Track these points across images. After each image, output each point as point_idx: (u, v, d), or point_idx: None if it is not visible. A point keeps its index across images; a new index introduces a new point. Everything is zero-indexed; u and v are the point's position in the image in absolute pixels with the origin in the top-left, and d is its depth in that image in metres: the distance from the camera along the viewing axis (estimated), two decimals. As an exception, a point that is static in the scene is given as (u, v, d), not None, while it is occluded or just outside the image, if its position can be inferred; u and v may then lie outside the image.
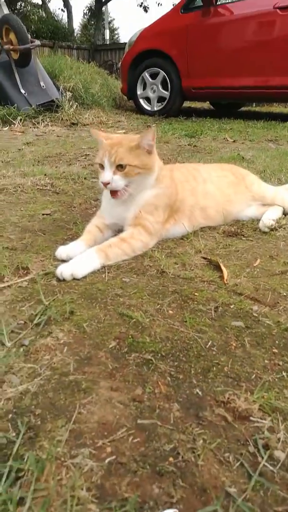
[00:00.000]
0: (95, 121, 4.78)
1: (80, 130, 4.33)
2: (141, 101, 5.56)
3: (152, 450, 0.62)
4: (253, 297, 1.07)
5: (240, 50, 4.61)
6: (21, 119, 4.43)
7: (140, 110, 5.60)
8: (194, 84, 5.03)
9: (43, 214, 1.68)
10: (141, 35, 5.42)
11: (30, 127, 4.37)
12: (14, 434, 0.65)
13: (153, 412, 0.69)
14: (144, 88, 5.48)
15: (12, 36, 4.74)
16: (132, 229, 1.30)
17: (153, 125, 4.35)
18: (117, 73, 8.42)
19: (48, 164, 2.65)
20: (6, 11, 5.25)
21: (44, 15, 15.35)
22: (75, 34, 17.29)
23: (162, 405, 0.71)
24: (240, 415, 0.69)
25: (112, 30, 23.34)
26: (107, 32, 15.62)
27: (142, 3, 16.84)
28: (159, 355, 0.83)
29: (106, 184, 1.23)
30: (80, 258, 1.18)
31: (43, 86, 4.89)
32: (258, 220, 1.58)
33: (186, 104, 6.49)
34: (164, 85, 5.27)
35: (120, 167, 1.23)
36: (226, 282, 1.14)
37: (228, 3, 4.97)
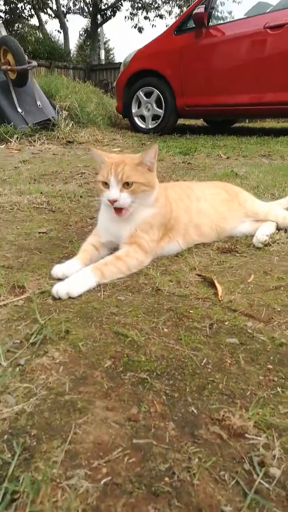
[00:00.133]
0: (91, 139, 4.86)
1: (76, 148, 4.40)
2: (136, 119, 5.67)
3: (148, 470, 0.62)
4: (247, 313, 1.08)
5: (232, 69, 4.75)
6: (17, 137, 4.50)
7: (135, 128, 5.71)
8: (188, 102, 5.15)
9: (39, 233, 1.70)
10: (135, 56, 5.57)
11: (27, 145, 4.43)
12: (9, 455, 0.65)
13: (149, 432, 0.70)
14: (139, 107, 5.60)
15: (9, 57, 4.86)
16: (127, 247, 1.32)
17: (151, 142, 4.43)
18: (112, 92, 8.60)
19: (44, 182, 2.68)
20: (4, 33, 5.40)
21: (41, 36, 15.74)
22: (71, 55, 17.68)
23: (157, 424, 0.71)
24: (235, 432, 0.69)
25: (108, 50, 23.94)
26: (102, 52, 16.03)
27: (136, 24, 17.34)
28: (154, 373, 0.84)
29: (113, 202, 1.25)
30: (75, 277, 1.19)
31: (39, 105, 4.99)
32: (252, 236, 1.60)
33: (180, 121, 6.62)
34: (158, 103, 5.39)
35: (126, 184, 1.26)
36: (220, 298, 1.15)
37: (220, 24, 5.15)
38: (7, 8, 15.28)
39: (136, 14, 16.82)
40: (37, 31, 15.82)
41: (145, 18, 16.73)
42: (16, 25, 15.22)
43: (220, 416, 0.72)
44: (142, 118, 5.64)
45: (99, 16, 16.76)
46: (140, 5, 16.37)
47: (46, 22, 17.33)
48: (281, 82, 4.45)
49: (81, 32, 24.98)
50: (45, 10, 16.38)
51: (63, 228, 1.77)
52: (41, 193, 2.33)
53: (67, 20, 16.93)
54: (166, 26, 5.95)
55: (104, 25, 17.38)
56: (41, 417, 0.73)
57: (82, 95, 5.97)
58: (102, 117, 6.01)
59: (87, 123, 5.52)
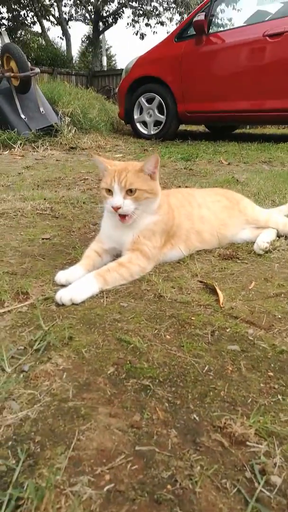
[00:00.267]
0: (93, 145, 4.90)
1: (78, 154, 4.43)
2: (138, 125, 5.72)
3: (150, 478, 0.63)
4: (248, 320, 1.09)
5: (232, 76, 4.79)
6: (21, 143, 4.54)
7: (137, 134, 5.75)
8: (189, 108, 5.19)
9: (42, 239, 1.71)
10: (137, 63, 5.62)
11: (30, 151, 4.47)
12: (14, 461, 0.66)
13: (151, 439, 0.70)
14: (141, 113, 5.64)
15: (12, 64, 4.92)
16: (130, 254, 1.33)
17: (153, 148, 4.45)
18: (114, 98, 8.66)
19: (47, 188, 2.70)
20: (7, 40, 5.46)
21: (43, 43, 15.90)
22: (73, 61, 17.84)
23: (160, 431, 0.72)
24: (236, 440, 0.70)
25: (110, 57, 24.14)
26: (104, 59, 16.15)
27: (138, 31, 17.50)
28: (157, 380, 0.85)
29: (117, 209, 1.27)
30: (79, 283, 1.20)
31: (42, 112, 5.03)
32: (253, 242, 1.62)
33: (182, 127, 6.66)
34: (160, 109, 5.43)
35: (129, 191, 1.27)
36: (222, 305, 1.16)
37: (220, 31, 5.20)
38: (10, 15, 15.46)
39: (137, 21, 16.99)
40: (39, 38, 15.99)
41: (147, 25, 16.89)
42: (19, 32, 15.38)
43: (222, 423, 0.73)
44: (144, 124, 5.68)
45: (100, 23, 16.93)
46: (141, 12, 16.53)
47: (48, 29, 17.55)
48: (280, 89, 4.49)
49: (83, 39, 25.24)
50: (48, 17, 16.56)
51: (66, 234, 1.79)
52: (45, 199, 2.35)
53: (69, 27, 17.13)
54: (167, 32, 6.03)
55: (106, 32, 17.59)
56: (45, 424, 0.73)
57: (84, 101, 6.02)
58: (104, 123, 6.05)
59: (90, 129, 5.57)
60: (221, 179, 2.99)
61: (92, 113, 5.82)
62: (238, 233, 1.66)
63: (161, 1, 16.11)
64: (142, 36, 17.31)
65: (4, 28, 14.59)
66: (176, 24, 15.93)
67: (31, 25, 16.51)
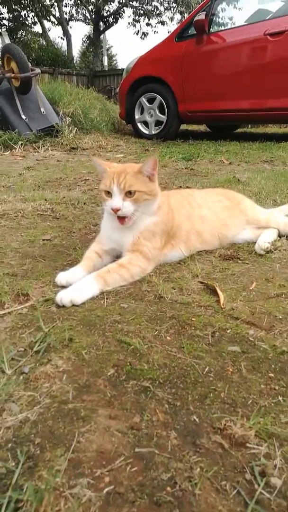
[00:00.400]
0: (95, 146, 4.90)
1: (79, 155, 4.43)
2: (139, 125, 5.71)
3: (150, 480, 0.63)
4: (249, 321, 1.09)
5: (233, 75, 4.78)
6: (22, 144, 4.55)
7: (138, 134, 5.75)
8: (190, 108, 5.18)
9: (43, 240, 1.72)
10: (137, 63, 5.62)
11: (31, 152, 4.48)
12: (13, 463, 0.66)
13: (151, 440, 0.70)
14: (142, 113, 5.64)
15: (13, 64, 4.93)
16: (130, 255, 1.33)
17: (153, 153, 4.45)
18: (115, 98, 8.67)
19: (48, 189, 2.71)
20: (7, 40, 5.47)
21: (44, 43, 15.90)
22: (74, 61, 17.84)
23: (159, 433, 0.72)
24: (236, 441, 0.70)
25: (110, 57, 24.15)
26: (105, 59, 16.15)
27: (138, 31, 17.50)
28: (157, 382, 0.85)
29: (116, 210, 1.27)
30: (79, 285, 1.20)
31: (43, 112, 5.04)
32: (254, 243, 1.61)
33: (183, 127, 6.65)
34: (161, 109, 5.43)
35: (129, 193, 1.27)
36: (222, 306, 1.16)
37: (220, 31, 5.19)
38: (11, 15, 15.47)
39: (138, 21, 16.98)
40: (40, 38, 15.99)
41: (147, 24, 16.89)
42: (20, 32, 15.38)
43: (222, 425, 0.73)
44: (145, 124, 5.68)
45: (101, 23, 16.93)
46: (142, 12, 16.52)
47: (49, 29, 17.53)
48: (282, 88, 4.48)
49: (84, 39, 25.26)
50: (48, 18, 16.57)
51: (67, 235, 1.79)
52: (45, 200, 2.35)
53: (70, 27, 17.15)
54: (168, 32, 6.02)
55: (107, 32, 17.56)
56: (44, 426, 0.73)
57: (85, 101, 6.03)
58: (105, 123, 6.05)
59: (91, 129, 5.57)
60: (222, 178, 2.99)
61: (93, 113, 5.82)
62: (239, 233, 1.66)
63: (161, 0, 16.10)
64: (145, 35, 17.32)
65: (5, 29, 14.62)
66: (177, 23, 15.92)
67: (32, 25, 16.52)
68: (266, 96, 4.60)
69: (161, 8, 16.54)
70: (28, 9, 15.72)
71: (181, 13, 16.20)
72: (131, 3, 15.84)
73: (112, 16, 16.57)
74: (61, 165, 3.74)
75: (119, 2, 15.85)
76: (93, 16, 16.87)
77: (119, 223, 1.31)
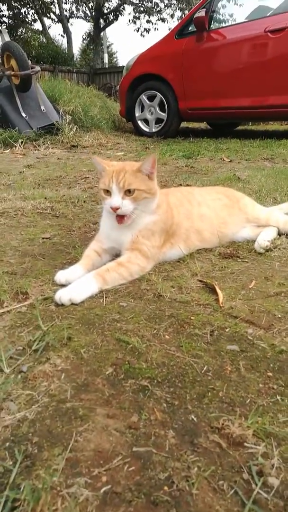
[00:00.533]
0: (95, 144, 4.89)
1: (80, 153, 4.42)
2: (140, 123, 5.70)
3: (147, 479, 0.63)
4: (248, 319, 1.09)
5: (234, 72, 4.76)
6: (22, 142, 4.54)
7: (138, 132, 5.73)
8: (190, 105, 5.17)
9: (43, 238, 1.71)
10: (138, 60, 5.60)
11: (31, 150, 4.47)
12: (11, 462, 0.66)
13: (149, 440, 0.70)
14: (142, 110, 5.63)
15: (13, 62, 4.91)
16: (129, 253, 1.33)
17: (154, 151, 4.44)
18: (116, 96, 8.65)
19: (48, 187, 2.70)
20: (7, 38, 5.46)
21: (44, 40, 15.86)
22: (74, 59, 17.81)
23: (157, 432, 0.72)
24: (234, 441, 0.70)
25: (111, 54, 24.07)
26: (105, 56, 16.11)
27: (139, 28, 17.45)
28: (155, 381, 0.85)
29: (115, 209, 1.26)
30: (78, 283, 1.20)
31: (43, 110, 5.03)
32: (253, 241, 1.61)
33: (184, 124, 6.63)
34: (161, 107, 5.41)
35: (128, 192, 1.27)
36: (221, 305, 1.16)
37: (221, 28, 5.16)
38: (11, 13, 15.42)
39: (138, 18, 16.92)
40: (40, 36, 15.94)
41: (148, 21, 16.83)
42: (20, 30, 15.33)
43: (220, 424, 0.73)
44: (146, 121, 5.66)
45: (101, 20, 16.88)
46: (142, 9, 16.45)
47: (49, 27, 17.55)
48: (283, 85, 4.46)
49: (84, 36, 25.19)
50: (48, 15, 16.52)
51: (67, 234, 1.78)
52: (45, 198, 2.35)
53: (71, 24, 17.12)
54: (169, 29, 5.99)
55: (107, 29, 17.52)
56: (42, 425, 0.73)
57: (85, 99, 6.01)
58: (106, 121, 6.04)
59: (91, 127, 5.56)
60: (223, 176, 2.98)
61: (93, 111, 5.81)
62: (239, 231, 1.65)
63: (162, -3, 16.06)
64: (147, 31, 17.27)
65: (5, 26, 14.58)
66: (178, 20, 15.85)
67: (32, 23, 16.49)
68: (267, 93, 4.58)
69: (161, 5, 16.49)
70: (28, 6, 15.68)
71: (182, 10, 16.14)
72: (131, 0, 15.77)
73: (112, 13, 16.52)
74: (61, 163, 3.73)
75: (119, -1, 15.82)
76: (93, 13, 16.83)
77: (118, 222, 1.31)
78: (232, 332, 1.03)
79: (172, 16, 16.88)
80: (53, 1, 16.11)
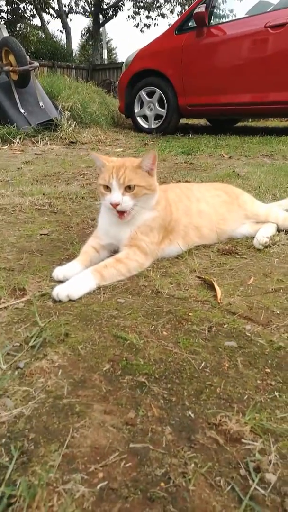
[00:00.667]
0: (94, 140, 4.87)
1: (78, 149, 4.40)
2: (139, 119, 5.67)
3: (144, 475, 0.63)
4: (246, 316, 1.08)
5: (234, 68, 4.73)
6: (20, 138, 4.52)
7: (138, 128, 5.71)
8: (190, 101, 5.14)
9: (40, 234, 1.71)
10: (137, 56, 5.57)
11: (30, 146, 4.45)
12: (7, 459, 0.65)
13: (146, 436, 0.70)
14: (141, 107, 5.60)
15: (11, 58, 4.88)
16: (127, 249, 1.32)
17: (153, 147, 4.42)
18: (115, 92, 8.60)
19: (46, 184, 2.69)
20: (5, 33, 5.41)
21: (43, 36, 15.77)
22: (73, 54, 17.71)
23: (154, 429, 0.72)
24: (231, 437, 0.70)
25: (110, 50, 23.95)
26: (105, 52, 16.01)
27: (138, 24, 17.36)
28: (153, 377, 0.84)
29: (116, 205, 1.26)
30: (76, 279, 1.20)
31: (42, 106, 5.00)
32: (252, 237, 1.60)
33: (183, 121, 6.61)
34: (161, 103, 5.39)
35: (128, 188, 1.26)
36: (220, 301, 1.15)
37: (221, 23, 5.13)
38: (9, 8, 15.31)
39: (138, 13, 16.82)
40: (39, 31, 15.84)
41: (147, 17, 16.74)
42: (18, 25, 15.23)
43: (217, 420, 0.72)
44: (145, 118, 5.64)
45: (101, 16, 16.78)
46: (141, 4, 16.36)
47: (48, 22, 17.43)
48: (283, 81, 4.43)
49: (83, 32, 25.03)
50: (47, 10, 16.41)
51: (65, 230, 1.78)
52: (43, 194, 2.34)
53: (70, 20, 17.01)
54: (168, 25, 5.94)
55: (106, 25, 17.43)
56: (39, 421, 0.73)
57: (84, 95, 5.97)
58: (104, 117, 6.01)
59: (90, 123, 5.53)
60: (222, 173, 2.97)
61: (92, 107, 5.78)
62: (238, 228, 1.65)
63: (161, -8, 15.96)
64: (147, 26, 17.18)
65: (3, 22, 14.48)
66: (177, 16, 15.77)
67: (31, 18, 16.37)
68: (267, 90, 4.56)
69: (161, 1, 16.38)
70: (26, 1, 15.56)
71: (181, 5, 16.05)
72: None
73: (111, 9, 16.41)
74: (59, 159, 3.72)
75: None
76: (93, 9, 16.72)
77: (118, 218, 1.30)
78: (230, 328, 1.03)
79: (172, 11, 16.80)
80: (52, -4, 16.01)
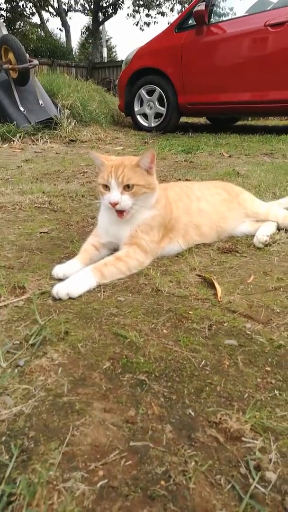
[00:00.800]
0: (93, 138, 4.86)
1: (78, 147, 4.40)
2: (139, 117, 5.66)
3: (144, 473, 0.62)
4: (246, 314, 1.08)
5: (234, 67, 4.72)
6: (20, 136, 4.51)
7: (137, 127, 5.70)
8: (190, 100, 5.13)
9: (40, 232, 1.70)
10: (137, 54, 5.56)
11: (29, 144, 4.44)
12: (7, 457, 0.65)
13: (146, 434, 0.70)
14: (141, 105, 5.59)
15: (11, 55, 4.86)
16: (127, 248, 1.32)
17: (152, 145, 4.42)
18: (114, 90, 8.59)
19: (46, 182, 2.69)
20: (5, 31, 5.40)
21: (43, 34, 15.74)
22: (73, 53, 17.68)
23: (154, 427, 0.71)
24: (232, 435, 0.70)
25: (110, 48, 23.90)
26: (104, 50, 15.99)
27: (138, 22, 17.32)
28: (153, 375, 0.84)
29: (115, 204, 1.25)
30: (76, 277, 1.19)
31: (41, 104, 4.99)
32: (252, 236, 1.60)
33: (183, 119, 6.59)
34: (160, 101, 5.38)
35: (127, 187, 1.26)
36: (220, 299, 1.15)
37: (221, 22, 5.12)
38: (9, 6, 15.27)
39: (138, 11, 16.79)
40: (38, 29, 15.79)
41: (147, 15, 16.70)
42: (18, 23, 15.18)
43: (217, 419, 0.72)
44: (145, 116, 5.63)
45: (100, 14, 16.73)
46: (141, 2, 16.32)
47: (47, 20, 17.42)
48: (283, 80, 4.43)
49: (83, 30, 24.99)
50: (47, 8, 16.36)
51: (65, 228, 1.77)
52: (43, 192, 2.34)
53: (69, 18, 16.96)
54: (168, 23, 5.93)
55: (106, 23, 17.40)
56: (39, 419, 0.73)
57: (84, 93, 5.96)
58: (104, 115, 6.00)
59: (90, 122, 5.52)
60: (222, 171, 2.97)
61: (92, 106, 5.77)
62: (238, 226, 1.65)
63: (161, -10, 15.93)
64: (147, 24, 17.14)
65: (3, 20, 14.44)
66: (177, 14, 15.75)
67: (30, 16, 16.33)
68: (267, 88, 4.56)
69: (161, -1, 16.36)
70: (26, -1, 15.52)
71: (181, 3, 16.01)
72: (130, -7, 15.65)
73: (111, 7, 16.37)
74: (59, 157, 3.71)
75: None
76: (92, 7, 16.68)
77: (117, 217, 1.30)
78: (230, 326, 1.03)
79: (171, 9, 16.78)
80: (52, -6, 15.98)
